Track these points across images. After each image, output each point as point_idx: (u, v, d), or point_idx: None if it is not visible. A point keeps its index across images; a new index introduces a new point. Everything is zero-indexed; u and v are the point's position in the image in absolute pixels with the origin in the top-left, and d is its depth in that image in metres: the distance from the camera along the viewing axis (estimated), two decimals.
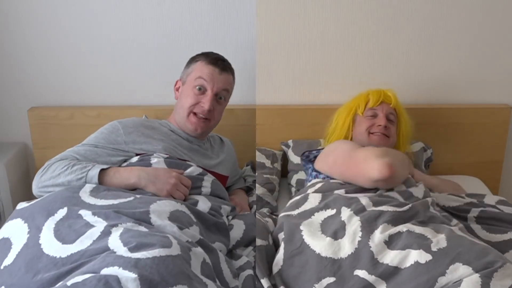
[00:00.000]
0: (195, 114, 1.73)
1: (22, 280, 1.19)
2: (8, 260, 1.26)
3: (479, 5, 2.08)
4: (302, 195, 1.57)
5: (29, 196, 2.22)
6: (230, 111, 2.09)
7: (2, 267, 1.25)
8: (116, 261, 1.14)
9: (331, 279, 1.28)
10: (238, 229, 1.58)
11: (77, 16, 2.05)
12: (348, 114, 1.86)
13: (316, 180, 1.66)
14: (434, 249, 1.23)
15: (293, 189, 2.00)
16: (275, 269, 1.38)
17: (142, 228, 1.29)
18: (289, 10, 2.06)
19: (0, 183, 2.02)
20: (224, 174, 1.84)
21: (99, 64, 2.12)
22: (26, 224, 1.33)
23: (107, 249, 1.21)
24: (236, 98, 2.13)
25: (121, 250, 1.19)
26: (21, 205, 1.43)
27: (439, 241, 1.25)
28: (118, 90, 2.16)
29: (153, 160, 1.60)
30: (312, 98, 2.19)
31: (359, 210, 1.39)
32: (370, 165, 1.47)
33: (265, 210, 1.79)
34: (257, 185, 1.92)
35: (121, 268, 1.11)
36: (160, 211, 1.37)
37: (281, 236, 1.43)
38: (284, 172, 2.13)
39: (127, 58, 2.11)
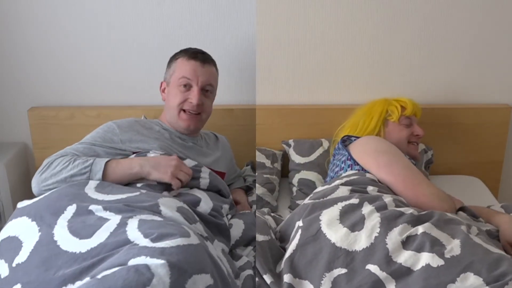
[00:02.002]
0: (184, 111, 1.73)
1: (41, 277, 1.19)
2: (20, 258, 1.25)
3: (479, 5, 2.09)
4: (331, 187, 1.56)
5: (29, 196, 2.21)
6: (230, 111, 2.10)
7: (14, 265, 1.24)
8: (141, 251, 1.14)
9: (343, 270, 1.28)
10: (237, 228, 1.59)
11: (77, 16, 2.05)
12: (379, 118, 1.87)
13: (352, 171, 1.65)
14: (447, 256, 1.23)
15: (295, 189, 2.00)
16: (287, 254, 1.38)
17: (157, 218, 1.30)
18: (289, 10, 2.06)
19: (0, 183, 2.02)
20: (221, 171, 1.84)
21: (99, 64, 2.12)
22: (34, 222, 1.32)
23: (127, 241, 1.21)
24: (236, 98, 2.13)
25: (143, 241, 1.19)
26: (23, 203, 1.42)
27: (453, 248, 1.25)
28: (118, 90, 2.16)
29: (150, 155, 1.60)
30: (312, 98, 2.19)
31: (380, 208, 1.39)
32: (432, 204, 1.52)
33: (265, 210, 1.79)
34: (257, 185, 1.92)
35: (148, 257, 1.12)
36: (168, 204, 1.39)
37: (299, 223, 1.43)
38: (284, 172, 2.13)
39: (127, 58, 2.11)
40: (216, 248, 1.39)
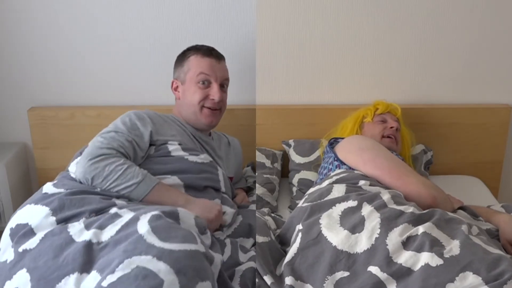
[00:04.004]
0: (205, 107, 1.74)
1: (49, 264, 1.20)
2: (29, 245, 1.26)
3: (478, 5, 2.09)
4: (326, 186, 1.56)
5: (29, 196, 2.22)
6: (230, 111, 2.09)
7: (21, 250, 1.25)
8: (149, 250, 1.15)
9: (345, 273, 1.28)
10: (236, 221, 1.60)
11: (77, 16, 2.05)
12: (356, 122, 1.94)
13: (340, 170, 1.66)
14: (446, 255, 1.22)
15: (295, 189, 2.00)
16: (287, 258, 1.38)
17: (170, 220, 1.30)
18: (289, 10, 2.06)
19: (0, 183, 2.02)
20: (229, 175, 1.85)
21: (99, 64, 2.12)
22: (53, 217, 1.32)
23: (135, 232, 1.21)
24: (236, 98, 2.13)
25: (151, 237, 1.19)
26: (49, 188, 1.43)
27: (453, 248, 1.25)
28: (118, 90, 2.16)
29: (171, 147, 1.61)
30: (312, 98, 2.19)
31: (380, 207, 1.39)
32: (420, 191, 1.53)
33: (265, 210, 1.79)
34: (257, 185, 1.92)
35: (155, 259, 1.13)
36: (187, 214, 1.39)
37: (299, 227, 1.43)
38: (284, 172, 2.13)
39: (127, 58, 2.11)
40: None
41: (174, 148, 1.61)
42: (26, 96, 2.15)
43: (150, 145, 1.63)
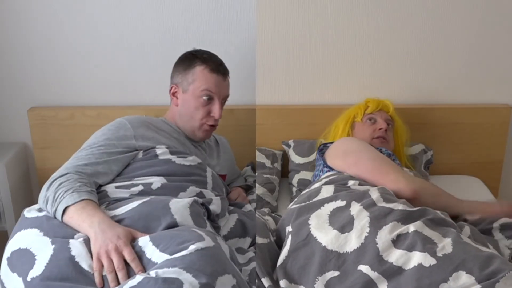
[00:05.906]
0: (205, 125, 1.74)
1: None
2: (35, 272, 1.22)
3: (478, 5, 2.09)
4: (315, 188, 1.56)
5: (29, 196, 2.23)
6: (230, 111, 2.09)
7: (29, 279, 1.22)
8: (163, 264, 1.16)
9: (335, 273, 1.28)
10: (231, 219, 1.59)
11: (76, 15, 2.05)
12: (347, 122, 1.93)
13: (330, 172, 1.66)
14: (439, 254, 1.22)
15: (294, 189, 2.00)
16: (280, 261, 1.38)
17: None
18: (289, 10, 2.06)
19: (0, 183, 2.02)
20: (222, 174, 1.85)
21: (99, 64, 2.12)
22: (47, 237, 1.30)
23: (146, 260, 1.23)
24: (236, 98, 2.13)
25: (161, 256, 1.20)
26: (31, 212, 1.40)
27: (445, 246, 1.25)
28: (118, 90, 2.16)
29: (159, 151, 1.60)
30: (312, 98, 2.19)
31: (369, 206, 1.39)
32: (400, 187, 1.53)
33: (265, 210, 1.79)
34: (257, 185, 1.92)
35: (170, 268, 1.13)
36: (180, 210, 1.38)
37: (289, 229, 1.43)
38: (284, 172, 2.13)
39: (127, 58, 2.11)
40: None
41: (161, 152, 1.60)
42: (26, 96, 2.15)
43: (136, 150, 1.61)
